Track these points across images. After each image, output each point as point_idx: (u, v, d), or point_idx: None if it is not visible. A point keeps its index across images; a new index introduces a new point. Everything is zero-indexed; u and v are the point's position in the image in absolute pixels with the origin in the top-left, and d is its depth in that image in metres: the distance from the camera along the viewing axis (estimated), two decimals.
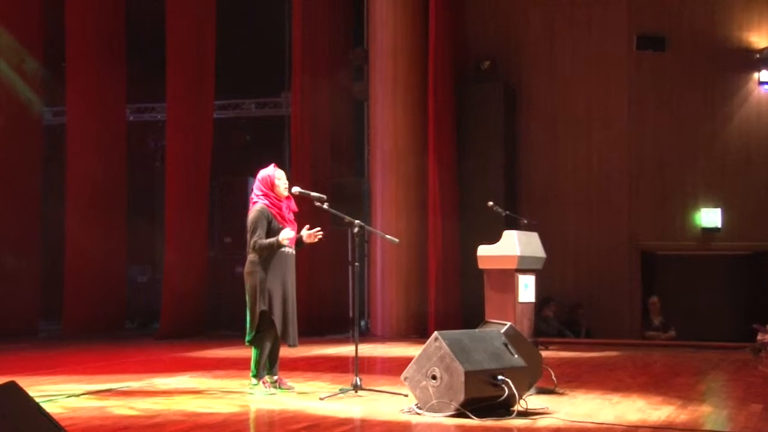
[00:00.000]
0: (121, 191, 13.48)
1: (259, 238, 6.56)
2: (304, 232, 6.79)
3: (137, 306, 14.44)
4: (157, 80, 12.81)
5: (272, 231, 6.62)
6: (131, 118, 14.55)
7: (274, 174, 6.75)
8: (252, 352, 6.80)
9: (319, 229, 6.80)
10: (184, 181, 12.46)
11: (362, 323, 13.00)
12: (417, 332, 12.21)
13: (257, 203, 6.72)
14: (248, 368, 6.94)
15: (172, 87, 12.44)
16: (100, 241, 12.91)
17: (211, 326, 12.89)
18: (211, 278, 13.07)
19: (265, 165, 6.92)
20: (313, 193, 6.84)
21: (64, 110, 13.47)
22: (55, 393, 6.78)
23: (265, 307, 6.57)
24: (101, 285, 12.96)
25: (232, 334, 11.54)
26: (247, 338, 6.71)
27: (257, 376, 6.74)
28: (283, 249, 6.64)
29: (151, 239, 14.74)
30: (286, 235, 6.55)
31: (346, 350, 10.54)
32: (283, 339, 6.70)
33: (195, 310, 12.56)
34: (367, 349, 10.62)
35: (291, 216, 6.79)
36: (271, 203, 6.69)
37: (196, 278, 12.58)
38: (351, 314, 12.89)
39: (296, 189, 6.82)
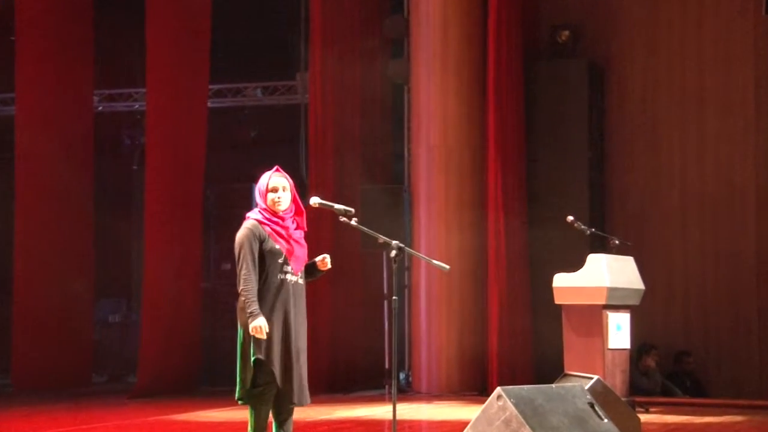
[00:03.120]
0: (87, 202, 13.56)
1: (246, 275, 6.53)
2: (320, 259, 6.78)
3: (108, 354, 14.53)
4: (134, 59, 12.93)
5: (265, 252, 6.61)
6: (100, 108, 14.70)
7: (268, 181, 6.77)
8: (248, 415, 6.74)
9: (326, 256, 6.77)
10: (169, 188, 12.54)
11: (402, 376, 12.99)
12: (474, 388, 12.21)
13: (248, 219, 6.74)
14: None
15: (153, 68, 12.54)
16: (60, 268, 13.01)
17: (205, 380, 12.94)
18: (205, 316, 13.13)
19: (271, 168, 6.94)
20: (336, 206, 6.85)
21: (13, 98, 13.64)
22: None
23: (261, 355, 6.51)
24: (61, 326, 13.04)
25: (233, 390, 11.56)
26: (237, 394, 6.66)
27: None
28: (283, 277, 6.63)
29: (127, 265, 14.86)
30: (255, 323, 6.46)
31: (381, 411, 10.55)
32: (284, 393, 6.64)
33: (184, 358, 12.61)
34: (408, 411, 10.62)
35: (298, 234, 6.78)
36: (264, 218, 6.71)
37: (186, 316, 12.65)
38: (387, 364, 12.89)
39: (315, 200, 6.83)
